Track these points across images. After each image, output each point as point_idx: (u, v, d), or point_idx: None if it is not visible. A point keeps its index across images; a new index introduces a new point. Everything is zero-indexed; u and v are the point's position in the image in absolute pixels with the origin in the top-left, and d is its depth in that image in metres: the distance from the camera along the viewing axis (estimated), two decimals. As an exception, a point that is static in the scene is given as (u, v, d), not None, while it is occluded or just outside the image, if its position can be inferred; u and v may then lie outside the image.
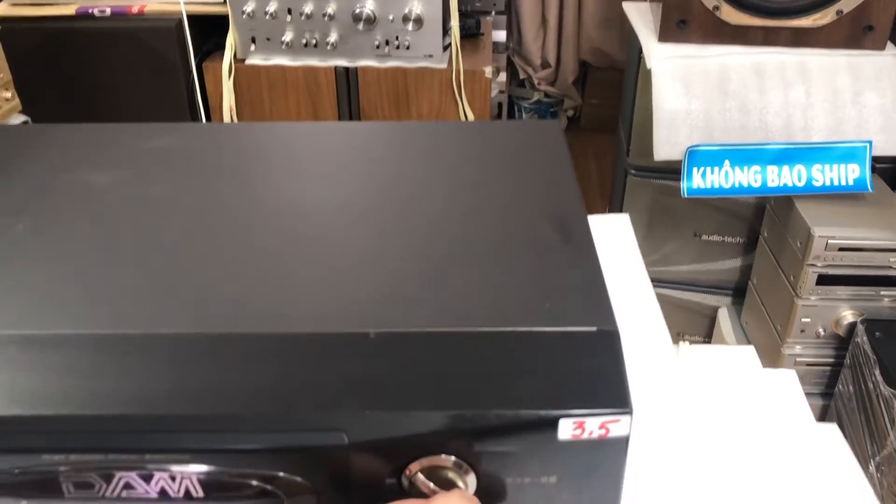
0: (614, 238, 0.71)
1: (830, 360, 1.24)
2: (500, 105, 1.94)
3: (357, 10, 1.40)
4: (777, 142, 1.15)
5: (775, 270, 1.27)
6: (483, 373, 0.34)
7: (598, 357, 0.35)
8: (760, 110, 1.14)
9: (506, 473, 0.34)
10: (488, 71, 1.49)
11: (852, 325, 1.18)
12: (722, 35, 1.15)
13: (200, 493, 0.34)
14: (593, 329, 0.35)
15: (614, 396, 0.33)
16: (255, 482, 0.34)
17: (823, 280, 1.17)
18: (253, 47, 1.47)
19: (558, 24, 2.26)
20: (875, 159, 1.16)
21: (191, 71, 1.46)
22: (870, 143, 1.13)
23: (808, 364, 1.25)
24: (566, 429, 0.33)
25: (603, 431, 0.33)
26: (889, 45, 1.15)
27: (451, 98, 1.49)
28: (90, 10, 1.45)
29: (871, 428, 1.10)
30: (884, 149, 1.14)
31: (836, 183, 1.15)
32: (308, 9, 1.41)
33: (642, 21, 1.26)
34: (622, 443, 0.34)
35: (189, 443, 0.33)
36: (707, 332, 1.52)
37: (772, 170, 1.16)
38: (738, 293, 1.46)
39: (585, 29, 2.26)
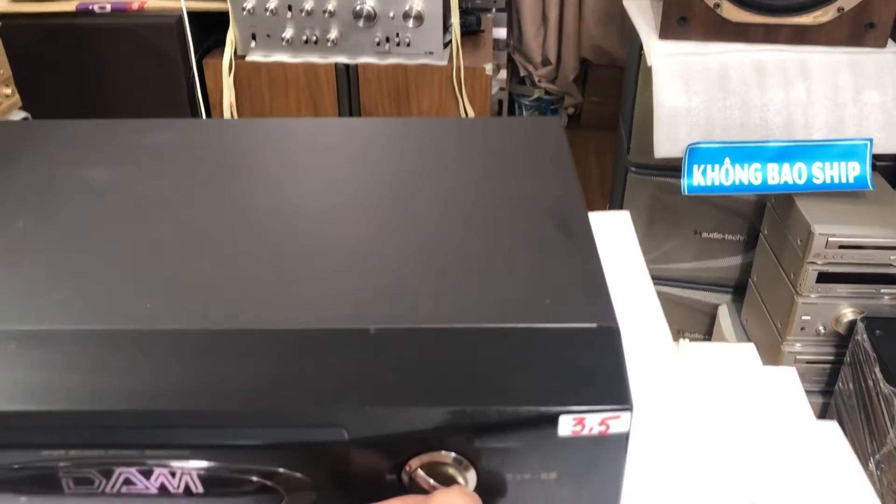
0: (615, 235, 0.71)
1: (830, 357, 1.24)
2: (500, 102, 1.94)
3: (357, 7, 1.40)
4: (778, 139, 1.15)
5: (775, 268, 1.27)
6: (483, 369, 0.34)
7: (599, 353, 0.34)
8: (761, 108, 1.14)
9: (506, 470, 0.34)
10: (489, 68, 1.49)
11: (852, 323, 1.18)
12: (723, 32, 1.15)
13: (200, 489, 0.34)
14: (594, 325, 0.35)
15: (615, 393, 0.33)
16: (255, 478, 0.34)
17: (824, 278, 1.17)
18: (253, 44, 1.47)
19: (559, 22, 2.26)
20: (876, 157, 1.16)
21: (191, 67, 1.46)
22: (870, 140, 1.13)
23: (809, 362, 1.25)
24: (566, 425, 0.33)
25: (603, 428, 0.33)
26: (890, 42, 1.15)
27: (452, 95, 1.49)
28: (90, 7, 1.45)
29: (871, 426, 1.10)
30: (884, 147, 1.14)
31: (836, 181, 1.15)
32: (308, 5, 1.41)
33: (643, 18, 1.26)
34: (622, 439, 0.34)
35: (189, 439, 0.33)
36: (707, 330, 1.53)
37: (772, 167, 1.16)
38: (739, 291, 1.46)
39: (586, 26, 2.26)
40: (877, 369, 1.08)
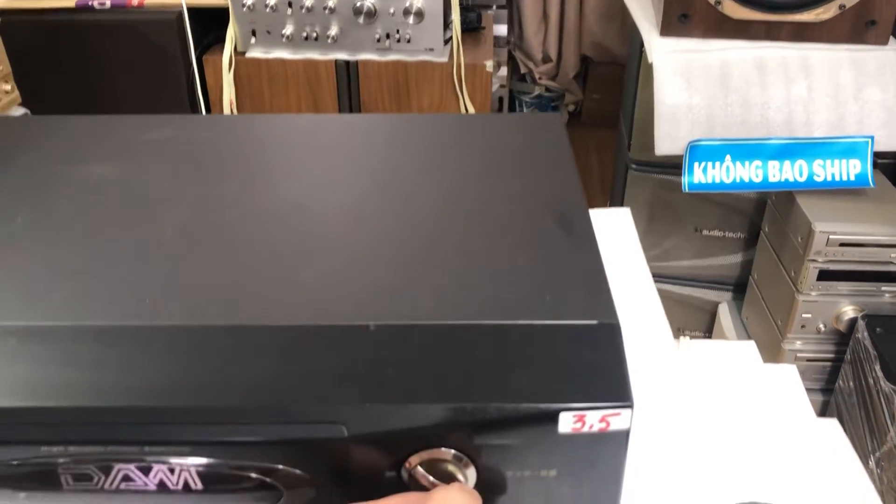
0: (615, 232, 0.70)
1: (831, 355, 1.24)
2: (500, 99, 1.94)
3: (358, 4, 1.40)
4: (778, 137, 1.14)
5: (776, 266, 1.26)
6: (483, 366, 0.34)
7: (599, 350, 0.34)
8: (762, 105, 1.13)
9: (506, 467, 0.34)
10: (489, 65, 1.49)
11: (853, 321, 1.17)
12: (724, 29, 1.15)
13: (199, 486, 0.34)
14: (594, 322, 0.35)
15: (615, 390, 0.33)
16: (254, 475, 0.33)
17: (824, 275, 1.17)
18: (253, 40, 1.47)
19: (559, 19, 2.26)
20: (877, 155, 1.16)
21: (191, 64, 1.46)
22: (871, 138, 1.13)
23: (809, 359, 1.25)
24: (566, 422, 0.33)
25: (603, 425, 0.33)
26: (892, 39, 1.15)
27: (452, 92, 1.49)
28: (90, 3, 1.45)
29: (872, 423, 1.10)
30: (886, 144, 1.14)
31: (837, 178, 1.15)
32: (308, 2, 1.41)
33: (644, 15, 1.26)
34: (623, 436, 0.34)
35: (188, 435, 0.33)
36: (707, 328, 1.52)
37: (773, 165, 1.15)
38: (739, 288, 1.46)
39: (587, 23, 2.26)
40: (877, 367, 1.08)
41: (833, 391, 1.24)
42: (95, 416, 0.33)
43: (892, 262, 1.15)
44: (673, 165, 1.23)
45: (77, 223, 0.44)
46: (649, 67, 1.16)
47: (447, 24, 1.46)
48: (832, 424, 0.58)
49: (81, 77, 1.50)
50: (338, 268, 0.40)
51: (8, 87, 1.17)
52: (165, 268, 0.40)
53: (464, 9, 1.56)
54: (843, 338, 1.21)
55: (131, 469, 0.33)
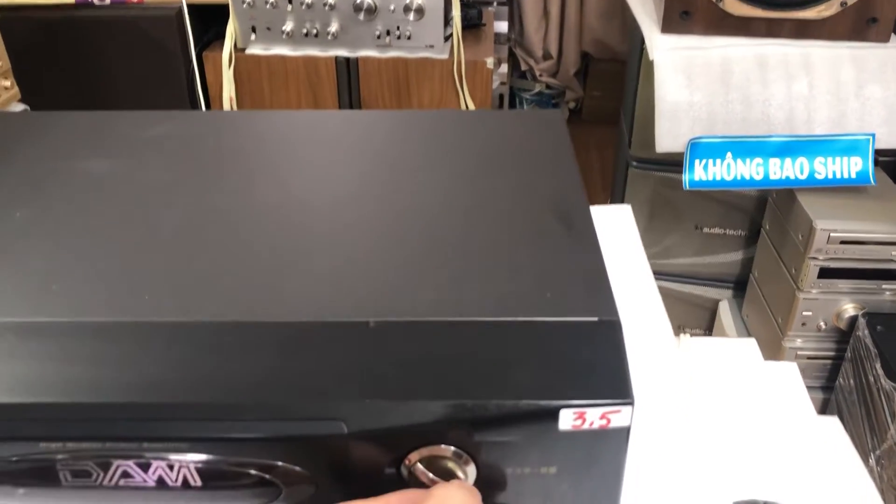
0: (616, 229, 0.70)
1: (831, 353, 1.24)
2: (501, 97, 1.94)
3: (358, 0, 1.40)
4: (779, 134, 1.14)
5: (777, 263, 1.26)
6: (483, 362, 0.34)
7: (600, 347, 0.34)
8: (763, 102, 1.13)
9: (506, 464, 0.34)
10: (490, 62, 1.49)
11: (853, 319, 1.17)
12: (725, 26, 1.15)
13: (198, 482, 0.34)
14: (595, 319, 0.35)
15: (616, 387, 0.33)
16: (253, 471, 0.33)
17: (825, 273, 1.17)
18: (253, 37, 1.46)
19: (560, 16, 2.25)
20: (878, 152, 1.15)
21: (191, 60, 1.46)
22: (873, 135, 1.13)
23: (809, 357, 1.24)
24: (567, 419, 0.33)
25: (604, 422, 0.33)
26: (893, 37, 1.15)
27: (453, 89, 1.49)
28: (90, -1, 1.44)
29: (872, 421, 1.10)
30: (887, 142, 1.14)
31: (838, 176, 1.15)
32: (309, -2, 1.40)
33: (645, 12, 1.25)
34: (623, 434, 0.33)
35: (187, 431, 0.33)
36: (708, 325, 1.52)
37: (774, 162, 1.15)
38: (740, 286, 1.46)
39: (587, 20, 2.25)
40: (878, 365, 1.08)
41: (833, 389, 1.24)
42: (94, 412, 0.33)
43: (892, 260, 1.15)
44: (674, 163, 1.23)
45: (76, 219, 0.44)
46: (650, 64, 1.15)
47: (448, 20, 1.46)
48: (833, 422, 0.58)
49: (81, 73, 1.50)
50: (338, 264, 0.40)
51: (7, 83, 1.17)
52: (164, 264, 0.40)
53: (464, 5, 1.56)
54: (843, 335, 1.21)
55: (130, 465, 0.33)
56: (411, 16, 1.40)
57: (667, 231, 1.43)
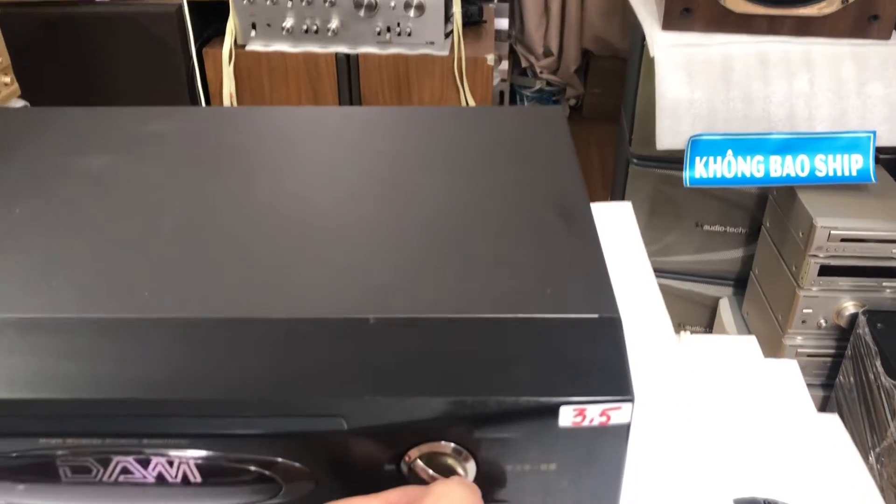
0: (616, 226, 0.70)
1: (831, 351, 1.24)
2: (501, 93, 1.94)
3: (359, -3, 1.39)
4: (780, 132, 1.14)
5: (777, 261, 1.26)
6: (483, 359, 0.34)
7: (600, 344, 0.34)
8: (764, 100, 1.13)
9: (506, 460, 0.34)
10: (490, 59, 1.49)
11: (854, 316, 1.17)
12: (726, 23, 1.15)
13: (198, 479, 0.34)
14: (595, 316, 0.35)
15: (616, 384, 0.33)
16: (253, 468, 0.33)
17: (825, 271, 1.17)
18: (253, 33, 1.46)
19: (561, 13, 2.25)
20: (879, 150, 1.15)
21: (191, 57, 1.46)
22: (874, 133, 1.13)
23: (810, 355, 1.24)
24: (567, 416, 0.32)
25: (604, 419, 0.33)
26: (894, 34, 1.15)
27: (453, 86, 1.49)
28: (90, -5, 1.44)
29: (872, 419, 1.10)
30: (888, 139, 1.14)
31: (839, 173, 1.15)
32: (309, -5, 1.40)
33: (646, 9, 1.25)
34: (623, 430, 0.33)
35: (187, 428, 0.33)
36: (708, 323, 1.52)
37: (775, 160, 1.15)
38: (740, 284, 1.46)
39: (588, 17, 2.25)
40: (878, 363, 1.08)
41: (833, 386, 1.24)
42: (94, 408, 0.32)
43: (893, 258, 1.15)
44: (674, 160, 1.22)
45: (76, 215, 0.44)
46: (651, 61, 1.15)
47: (448, 17, 1.45)
48: (833, 420, 0.58)
49: (81, 69, 1.50)
50: (338, 260, 0.40)
51: (7, 79, 1.17)
52: (165, 260, 0.40)
53: (465, 2, 1.56)
54: (843, 333, 1.21)
55: (130, 461, 0.33)
56: (412, 12, 1.40)
57: (667, 228, 1.43)
